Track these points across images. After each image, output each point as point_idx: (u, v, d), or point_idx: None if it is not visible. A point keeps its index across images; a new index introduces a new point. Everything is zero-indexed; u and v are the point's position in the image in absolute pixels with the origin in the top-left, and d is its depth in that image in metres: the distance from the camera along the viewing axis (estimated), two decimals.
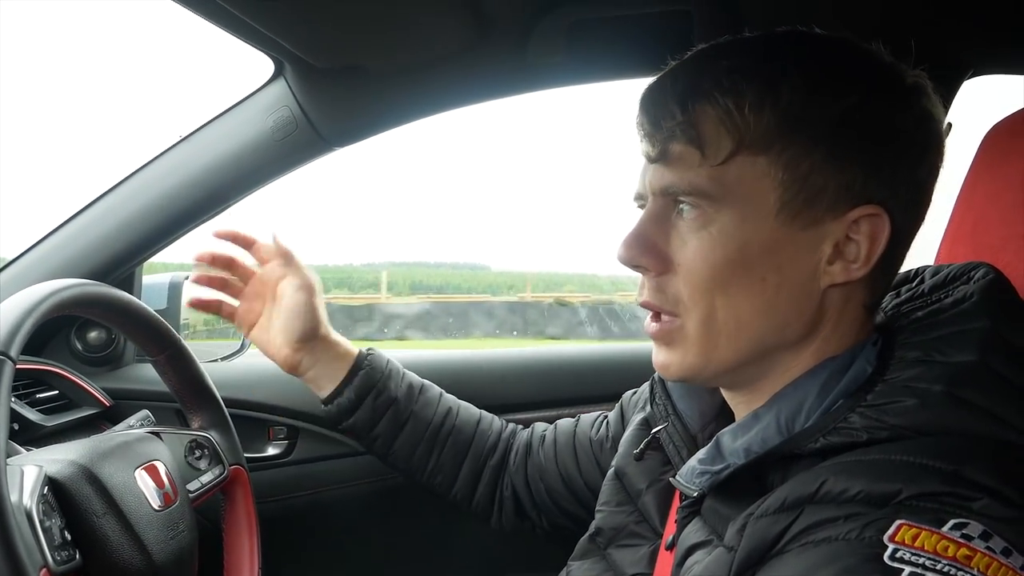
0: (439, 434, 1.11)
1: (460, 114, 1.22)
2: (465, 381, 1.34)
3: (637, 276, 0.68)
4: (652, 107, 0.64)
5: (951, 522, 0.48)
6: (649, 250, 0.64)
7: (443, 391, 1.16)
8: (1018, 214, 0.81)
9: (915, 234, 0.65)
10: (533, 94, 1.20)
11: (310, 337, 1.05)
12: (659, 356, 0.67)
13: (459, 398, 1.18)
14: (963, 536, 0.48)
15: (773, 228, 0.60)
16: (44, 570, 0.67)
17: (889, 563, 0.47)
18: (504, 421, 1.18)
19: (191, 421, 1.04)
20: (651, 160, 0.64)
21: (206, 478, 1.00)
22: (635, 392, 1.02)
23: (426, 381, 1.15)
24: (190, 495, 0.94)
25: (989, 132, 0.91)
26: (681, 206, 0.63)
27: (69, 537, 0.74)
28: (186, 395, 1.03)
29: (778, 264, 0.61)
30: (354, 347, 1.10)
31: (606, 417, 1.05)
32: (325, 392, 1.08)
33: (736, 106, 0.59)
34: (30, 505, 0.69)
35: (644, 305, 0.66)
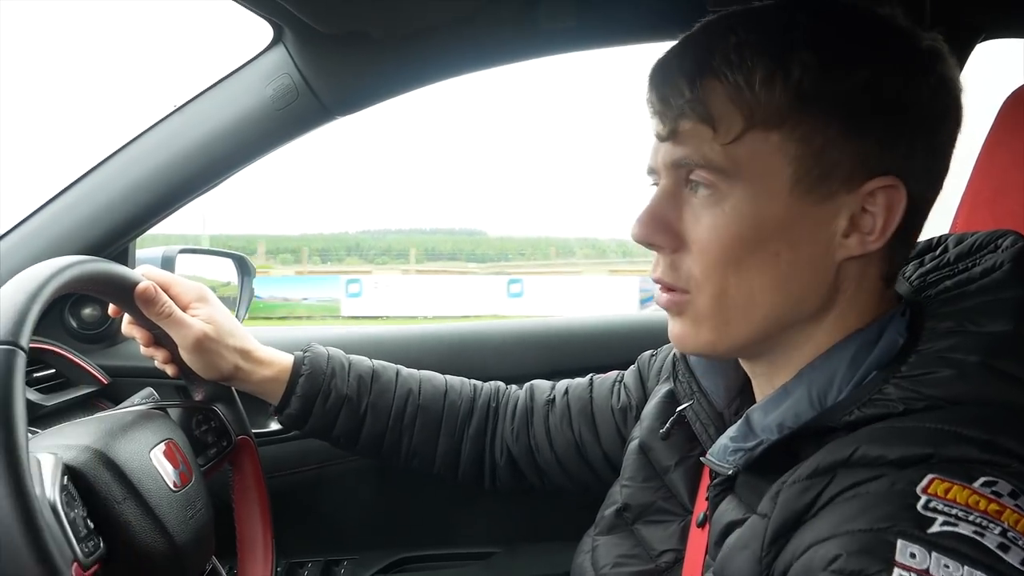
0: (403, 419, 1.04)
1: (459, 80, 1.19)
2: (460, 355, 1.31)
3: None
4: (661, 84, 0.63)
5: (981, 479, 0.49)
6: (663, 228, 0.64)
7: (400, 369, 1.08)
8: None
9: (933, 202, 0.64)
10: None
11: (227, 377, 0.98)
12: (674, 328, 0.67)
13: (456, 374, 1.11)
14: (993, 493, 0.49)
15: (787, 204, 0.60)
16: (75, 565, 0.64)
17: (923, 512, 0.48)
18: (479, 383, 1.11)
19: (195, 394, 1.01)
20: (661, 139, 0.64)
21: (214, 451, 0.98)
22: (653, 355, 0.99)
23: (379, 364, 1.07)
24: (200, 469, 0.92)
25: (1008, 98, 0.91)
26: (694, 182, 0.62)
27: (92, 526, 0.71)
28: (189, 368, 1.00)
29: (792, 240, 0.60)
30: (288, 355, 1.02)
31: (623, 381, 1.01)
32: (273, 403, 1.02)
33: (746, 83, 0.59)
34: (54, 497, 0.66)
35: (657, 281, 0.67)
